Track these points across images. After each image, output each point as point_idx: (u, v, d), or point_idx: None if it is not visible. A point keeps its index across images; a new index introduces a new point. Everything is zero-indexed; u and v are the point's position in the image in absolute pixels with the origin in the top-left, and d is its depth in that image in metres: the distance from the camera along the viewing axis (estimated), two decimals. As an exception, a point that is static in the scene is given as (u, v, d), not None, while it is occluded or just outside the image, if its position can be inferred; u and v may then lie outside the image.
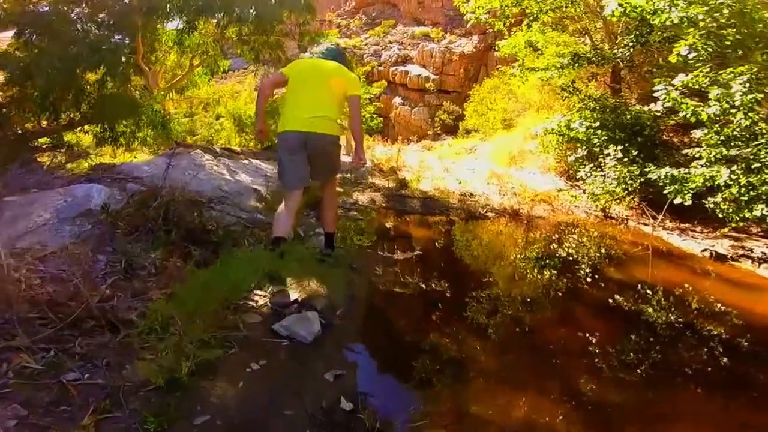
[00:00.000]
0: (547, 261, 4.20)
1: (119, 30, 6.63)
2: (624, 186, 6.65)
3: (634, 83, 9.57)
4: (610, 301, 3.31)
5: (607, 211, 6.74)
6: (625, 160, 6.72)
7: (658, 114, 7.17)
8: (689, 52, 4.94)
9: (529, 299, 3.26)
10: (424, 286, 3.20)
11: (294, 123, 2.58)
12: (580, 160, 8.12)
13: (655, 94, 5.36)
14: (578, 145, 8.17)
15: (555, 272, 3.87)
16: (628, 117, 7.70)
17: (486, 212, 5.92)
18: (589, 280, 3.76)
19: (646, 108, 7.01)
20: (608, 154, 7.02)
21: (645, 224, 6.30)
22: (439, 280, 3.35)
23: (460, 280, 3.57)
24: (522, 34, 12.08)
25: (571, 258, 4.33)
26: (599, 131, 7.17)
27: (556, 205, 7.03)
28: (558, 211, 6.71)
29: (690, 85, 5.08)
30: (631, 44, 7.13)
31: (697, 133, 5.10)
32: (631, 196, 6.59)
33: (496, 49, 11.23)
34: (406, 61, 21.99)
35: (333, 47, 3.05)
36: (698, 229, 6.03)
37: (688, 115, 4.91)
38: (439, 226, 5.24)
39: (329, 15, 26.87)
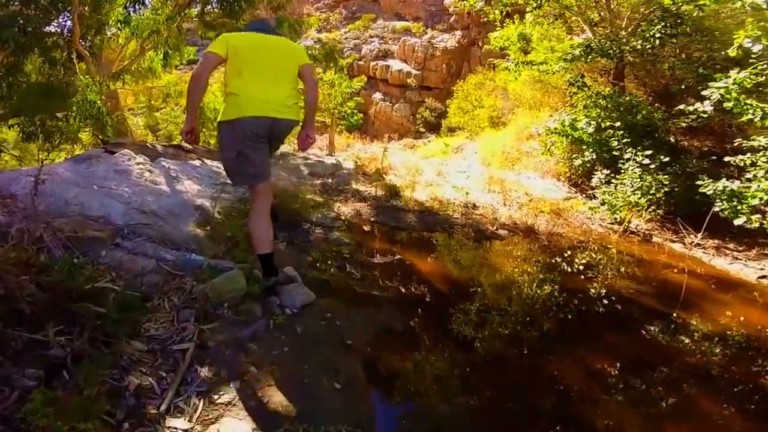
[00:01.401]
0: (600, 307, 3.15)
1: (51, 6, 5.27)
2: (649, 197, 5.77)
3: (640, 80, 8.76)
4: (709, 369, 2.29)
5: (626, 224, 5.83)
6: (652, 166, 5.81)
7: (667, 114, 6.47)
8: (753, 44, 4.04)
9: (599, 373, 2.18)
10: (463, 382, 2.08)
11: (256, 107, 2.10)
12: (587, 164, 7.21)
13: (705, 93, 4.49)
14: (584, 147, 7.26)
15: (618, 327, 2.83)
16: (640, 117, 6.84)
17: (497, 229, 4.85)
18: (665, 336, 2.72)
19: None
20: (628, 159, 6.11)
21: (673, 241, 5.46)
22: (484, 368, 2.23)
23: (513, 366, 2.46)
24: (515, 26, 11.21)
25: (624, 297, 3.30)
26: (618, 132, 6.23)
27: (566, 216, 6.05)
28: (572, 224, 5.73)
29: (745, 84, 4.21)
30: (658, 35, 6.20)
31: (762, 140, 4.17)
32: (653, 208, 5.72)
33: (480, 44, 10.29)
34: (387, 56, 20.86)
35: (269, 20, 2.67)
36: (731, 245, 5.27)
37: (756, 119, 3.99)
38: (447, 251, 4.13)
39: (308, 9, 25.45)
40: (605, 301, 3.24)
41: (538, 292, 3.31)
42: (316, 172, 6.70)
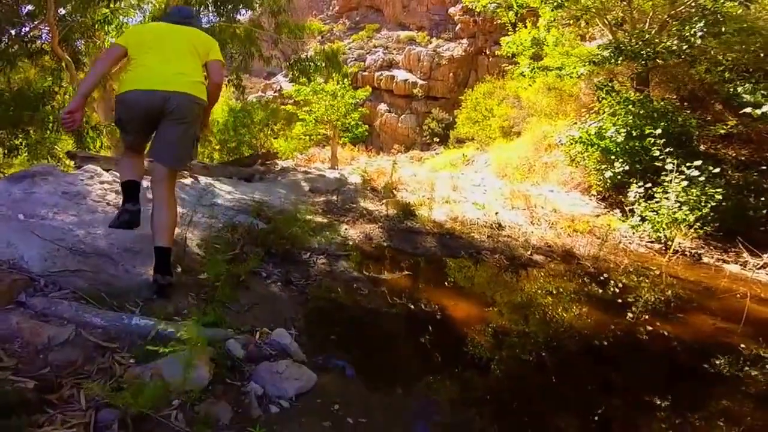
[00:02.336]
0: (681, 351, 2.40)
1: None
2: (697, 213, 5.08)
3: (665, 85, 8.08)
4: None
5: (670, 243, 5.12)
6: (701, 178, 5.10)
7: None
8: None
9: None
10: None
11: (147, 80, 1.96)
12: (618, 176, 6.49)
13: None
14: (612, 157, 6.56)
15: (713, 378, 2.07)
16: (674, 124, 6.17)
17: (531, 255, 4.12)
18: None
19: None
20: (671, 170, 5.41)
21: (726, 261, 4.83)
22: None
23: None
24: (527, 30, 10.65)
25: (703, 336, 2.54)
26: (660, 141, 5.53)
27: (601, 235, 5.34)
28: (610, 244, 5.00)
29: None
30: (699, 34, 5.53)
31: None
32: (697, 225, 5.04)
33: (488, 52, 9.71)
34: (391, 66, 20.34)
35: (184, 8, 2.46)
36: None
37: None
38: (483, 288, 3.40)
39: (311, 19, 25.09)
40: (683, 343, 2.50)
41: (605, 340, 2.56)
42: (319, 189, 6.01)
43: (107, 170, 3.57)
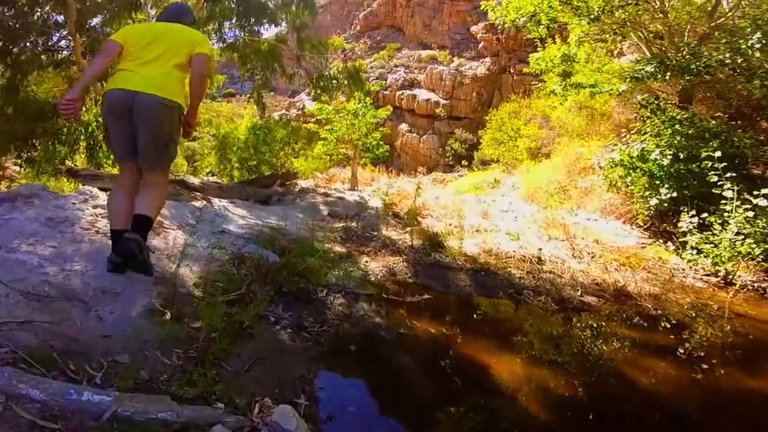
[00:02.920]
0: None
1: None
2: (765, 246, 4.50)
3: (709, 102, 7.49)
4: None
5: (730, 278, 4.52)
6: (768, 207, 4.51)
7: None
8: None
9: None
10: None
11: (120, 80, 2.05)
12: (664, 204, 5.91)
13: None
14: (657, 182, 5.99)
15: None
16: (729, 147, 5.60)
17: (581, 295, 3.59)
18: None
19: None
20: (731, 198, 4.83)
21: None
22: None
23: None
24: (557, 47, 10.22)
25: None
26: (719, 164, 4.95)
27: (652, 268, 4.77)
28: (662, 279, 4.42)
29: None
30: (757, 46, 5.00)
31: None
32: (760, 257, 4.46)
33: (512, 71, 9.35)
34: (413, 85, 20.16)
35: (177, 5, 2.53)
36: None
37: None
38: (533, 339, 2.89)
39: (334, 37, 25.38)
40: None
41: (690, 406, 2.01)
42: (338, 213, 5.62)
43: (103, 189, 3.25)
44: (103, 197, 2.96)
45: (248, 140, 8.66)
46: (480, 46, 20.92)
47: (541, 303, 3.32)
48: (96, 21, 5.54)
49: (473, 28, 22.46)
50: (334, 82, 7.66)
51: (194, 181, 5.06)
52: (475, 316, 3.19)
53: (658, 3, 6.92)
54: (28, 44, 5.53)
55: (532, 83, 15.24)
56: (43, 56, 5.65)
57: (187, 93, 2.22)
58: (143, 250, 2.04)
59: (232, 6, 6.04)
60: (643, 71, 5.86)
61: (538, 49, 9.89)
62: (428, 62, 23.08)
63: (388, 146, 14.06)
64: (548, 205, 7.93)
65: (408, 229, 4.88)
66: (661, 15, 6.90)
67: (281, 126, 8.95)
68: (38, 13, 5.10)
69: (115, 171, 4.69)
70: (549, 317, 3.11)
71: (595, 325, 3.08)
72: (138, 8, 4.95)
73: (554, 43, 10.02)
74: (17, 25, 5.29)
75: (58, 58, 5.76)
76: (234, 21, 6.76)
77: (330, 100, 10.02)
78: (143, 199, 2.11)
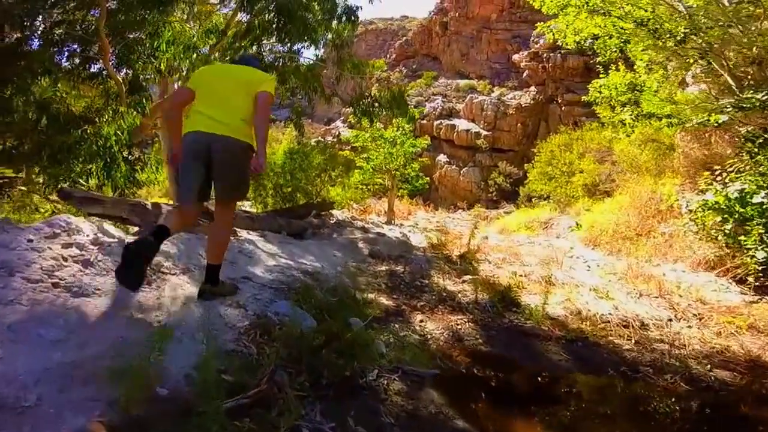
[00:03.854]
0: None
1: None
2: None
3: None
4: None
5: None
6: None
7: None
8: None
9: None
10: None
11: (197, 123, 2.23)
12: (776, 256, 4.79)
13: None
14: (761, 229, 4.91)
15: None
16: None
17: (710, 369, 2.61)
18: None
19: None
20: None
21: None
22: None
23: None
24: (620, 74, 9.34)
25: None
26: None
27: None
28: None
29: None
30: None
31: None
32: None
33: (559, 100, 8.61)
34: (451, 115, 19.52)
35: (246, 54, 2.87)
36: None
37: None
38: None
39: (374, 61, 25.46)
40: None
41: None
42: (379, 253, 4.80)
43: (104, 217, 2.58)
44: (83, 233, 2.26)
45: (284, 165, 8.08)
46: (524, 75, 20.17)
47: (666, 383, 2.35)
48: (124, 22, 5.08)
49: (515, 57, 21.84)
50: (375, 105, 7.03)
51: (238, 209, 4.43)
52: (589, 404, 2.24)
53: (753, 27, 5.97)
54: (65, 53, 5.13)
55: (581, 116, 14.28)
56: (81, 68, 5.26)
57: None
58: (215, 296, 2.27)
59: (272, 19, 5.53)
60: (754, 99, 4.87)
61: (601, 75, 9.07)
62: (466, 92, 22.53)
63: (428, 178, 13.30)
64: (621, 252, 6.86)
65: (467, 278, 3.98)
66: (759, 37, 5.92)
67: (318, 151, 8.34)
68: (74, 17, 4.68)
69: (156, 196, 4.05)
70: (682, 404, 2.13)
71: (748, 416, 2.08)
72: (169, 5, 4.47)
73: (617, 70, 9.20)
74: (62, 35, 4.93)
75: (92, 70, 5.37)
76: (273, 38, 6.29)
77: (370, 125, 9.41)
78: (212, 246, 2.32)
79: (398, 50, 30.23)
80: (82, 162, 3.97)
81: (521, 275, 4.30)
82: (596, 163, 11.39)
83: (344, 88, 8.03)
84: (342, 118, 27.19)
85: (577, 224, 8.92)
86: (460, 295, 3.60)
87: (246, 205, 10.09)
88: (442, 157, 19.26)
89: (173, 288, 2.23)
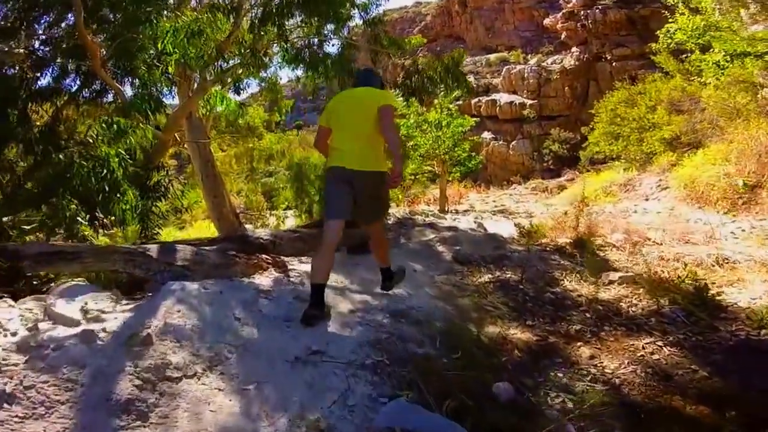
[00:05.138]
0: None
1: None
2: None
3: None
4: None
5: None
6: None
7: None
8: None
9: None
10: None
11: (338, 159, 2.41)
12: None
13: None
14: None
15: None
16: None
17: None
18: None
19: None
20: None
21: None
22: None
23: None
24: (686, 17, 8.07)
25: None
26: None
27: None
28: None
29: None
30: None
31: None
32: None
33: (608, 56, 7.64)
34: (489, 90, 18.12)
35: (363, 70, 2.95)
36: None
37: None
38: None
39: (393, 63, 24.42)
40: None
41: None
42: (467, 256, 3.74)
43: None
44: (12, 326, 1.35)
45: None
46: (563, 36, 18.40)
47: None
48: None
49: (546, 21, 20.20)
50: (426, 80, 5.93)
51: (261, 234, 3.38)
52: None
53: None
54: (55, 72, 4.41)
55: (637, 69, 12.57)
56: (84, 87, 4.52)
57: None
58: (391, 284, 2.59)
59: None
60: None
61: (670, 20, 7.76)
62: (499, 65, 21.02)
63: (481, 156, 12.04)
64: (750, 210, 5.46)
65: (616, 276, 2.84)
66: None
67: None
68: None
69: (119, 235, 3.07)
70: None
71: None
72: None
73: (682, 14, 7.85)
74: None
75: (94, 87, 4.63)
76: (298, 20, 5.34)
77: (426, 104, 8.35)
78: (381, 255, 2.60)
79: (420, 35, 29.05)
80: (73, 195, 3.05)
81: (682, 261, 3.11)
82: (670, 115, 9.82)
83: (382, 73, 7.02)
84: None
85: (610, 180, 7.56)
86: (622, 304, 2.49)
87: (290, 216, 9.27)
88: (486, 135, 17.90)
89: (195, 405, 1.29)
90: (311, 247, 3.60)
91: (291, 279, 2.58)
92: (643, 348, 2.03)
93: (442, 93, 7.26)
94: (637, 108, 11.28)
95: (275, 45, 5.59)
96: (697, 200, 6.61)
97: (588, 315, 2.38)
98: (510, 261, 3.52)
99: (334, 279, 2.70)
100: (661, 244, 4.01)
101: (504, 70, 19.20)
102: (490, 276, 3.22)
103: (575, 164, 14.14)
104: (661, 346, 2.03)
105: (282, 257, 2.89)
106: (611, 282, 2.81)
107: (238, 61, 5.07)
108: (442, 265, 3.61)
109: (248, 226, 7.37)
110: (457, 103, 17.57)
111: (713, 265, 3.01)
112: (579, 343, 2.11)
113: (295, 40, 5.51)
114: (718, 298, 2.33)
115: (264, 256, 2.72)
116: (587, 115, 13.48)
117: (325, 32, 5.92)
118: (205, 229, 9.78)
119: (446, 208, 9.63)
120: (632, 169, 10.23)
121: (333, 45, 6.18)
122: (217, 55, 4.38)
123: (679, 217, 5.94)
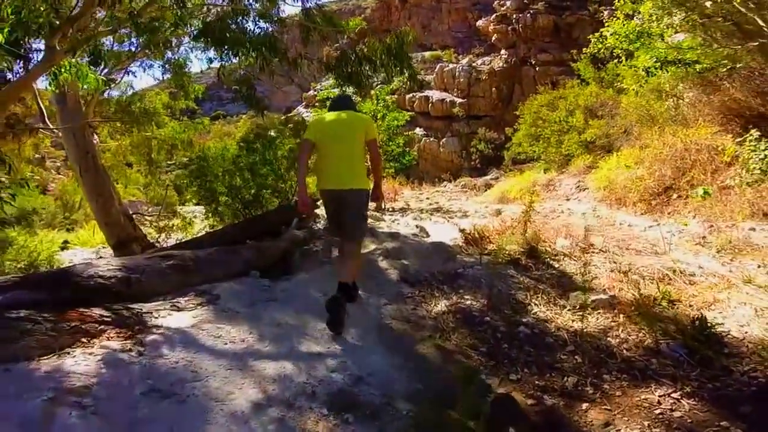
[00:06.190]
0: None
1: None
2: None
3: None
4: None
5: None
6: None
7: None
8: None
9: None
10: None
11: (329, 181, 2.69)
12: None
13: None
14: None
15: None
16: None
17: None
18: None
19: None
20: None
21: None
22: None
23: None
24: (620, 22, 8.43)
25: None
26: None
27: None
28: None
29: None
30: None
31: None
32: None
33: (533, 62, 8.21)
34: (422, 87, 18.03)
35: (341, 96, 3.22)
36: None
37: None
38: None
39: (326, 49, 23.34)
40: None
41: None
42: (418, 275, 3.23)
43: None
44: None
45: (240, 160, 6.03)
46: (493, 39, 18.79)
47: None
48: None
49: (479, 23, 20.74)
50: (365, 64, 5.28)
51: (103, 269, 2.18)
52: None
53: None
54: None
55: (557, 75, 13.10)
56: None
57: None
58: (342, 307, 2.44)
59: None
60: None
61: (606, 23, 8.03)
62: (433, 62, 21.15)
63: (416, 153, 11.69)
64: (671, 213, 5.64)
65: (592, 300, 2.46)
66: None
67: (289, 134, 6.44)
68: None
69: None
70: None
71: None
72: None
73: (617, 18, 8.21)
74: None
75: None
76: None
77: (362, 94, 7.70)
78: (342, 269, 2.70)
79: (356, 33, 28.35)
80: None
81: (639, 274, 2.85)
82: (587, 120, 10.32)
83: (315, 57, 6.18)
84: (303, 104, 24.96)
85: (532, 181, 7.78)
86: (610, 339, 2.09)
87: (199, 222, 7.69)
88: (419, 131, 17.79)
89: None
90: (203, 274, 2.72)
91: (144, 351, 1.58)
92: (659, 403, 1.62)
93: (382, 78, 6.65)
94: (558, 111, 11.74)
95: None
96: (616, 201, 6.83)
97: (578, 358, 1.95)
98: (464, 279, 3.04)
99: (231, 345, 1.88)
100: (606, 251, 3.82)
101: (437, 67, 19.23)
102: (446, 303, 2.70)
103: (500, 164, 14.49)
104: (678, 399, 1.64)
105: (140, 305, 1.94)
106: (583, 307, 2.43)
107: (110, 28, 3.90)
108: (389, 288, 3.03)
109: (148, 230, 6.12)
110: (392, 96, 17.22)
111: (672, 279, 2.79)
112: (584, 405, 1.65)
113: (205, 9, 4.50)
114: (713, 330, 2.01)
115: (97, 311, 1.72)
116: (511, 116, 13.84)
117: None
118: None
119: (383, 206, 9.14)
120: (552, 170, 10.59)
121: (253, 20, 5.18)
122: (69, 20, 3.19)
123: (606, 219, 6.01)
